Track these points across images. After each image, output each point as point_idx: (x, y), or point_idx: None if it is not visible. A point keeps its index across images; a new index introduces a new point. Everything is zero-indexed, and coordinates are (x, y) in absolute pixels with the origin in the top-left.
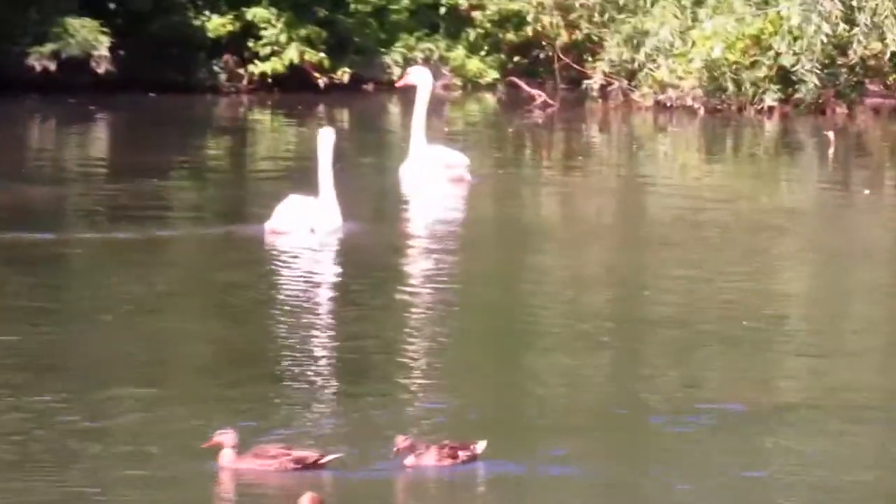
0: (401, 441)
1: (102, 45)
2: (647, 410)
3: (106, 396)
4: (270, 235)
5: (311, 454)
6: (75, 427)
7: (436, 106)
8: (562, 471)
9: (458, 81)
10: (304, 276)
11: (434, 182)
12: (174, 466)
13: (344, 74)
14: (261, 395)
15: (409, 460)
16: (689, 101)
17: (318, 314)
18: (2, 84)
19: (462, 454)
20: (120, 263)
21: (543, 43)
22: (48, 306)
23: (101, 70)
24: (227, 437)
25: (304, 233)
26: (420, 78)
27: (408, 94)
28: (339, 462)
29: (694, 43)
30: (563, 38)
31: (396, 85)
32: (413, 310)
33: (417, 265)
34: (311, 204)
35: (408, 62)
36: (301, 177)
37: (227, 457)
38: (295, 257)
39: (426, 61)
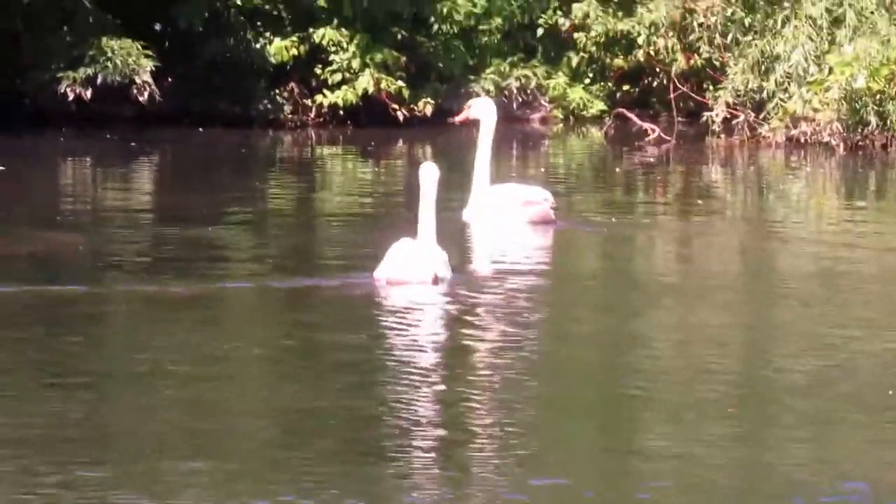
0: None
1: (145, 70)
2: (780, 493)
3: (166, 470)
4: (387, 286)
5: None
6: None
7: (534, 141)
8: None
9: (559, 113)
10: (414, 333)
11: (509, 224)
12: None
13: (426, 106)
14: (345, 472)
15: None
16: (825, 137)
17: (424, 375)
18: (33, 117)
19: None
20: (172, 321)
21: (657, 69)
22: (95, 368)
23: (143, 99)
24: None
25: (426, 283)
26: (483, 111)
27: (499, 127)
28: None
29: (831, 69)
30: (680, 63)
31: (456, 121)
32: (522, 374)
33: (525, 323)
34: (426, 250)
35: (500, 91)
36: (377, 220)
37: None
38: (407, 311)
39: (522, 90)
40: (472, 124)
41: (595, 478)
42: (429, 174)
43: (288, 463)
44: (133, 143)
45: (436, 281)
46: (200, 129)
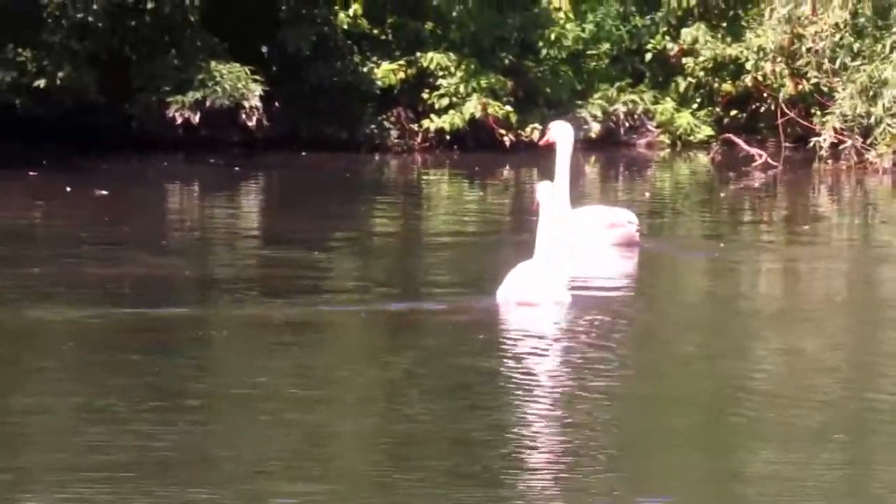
0: None
1: (254, 94)
2: None
3: (275, 492)
4: (513, 307)
5: None
6: None
7: (640, 166)
8: None
9: (666, 138)
10: (526, 356)
11: (595, 246)
12: None
13: (534, 131)
14: (454, 496)
15: None
16: None
17: (534, 399)
18: (140, 142)
19: None
20: (279, 344)
21: (765, 94)
22: (203, 392)
23: (252, 124)
24: None
25: (550, 305)
26: (560, 134)
27: (605, 151)
28: None
29: None
30: (788, 88)
31: (539, 144)
32: (630, 398)
33: (635, 347)
34: (551, 271)
35: (607, 116)
36: (484, 244)
37: None
38: (520, 334)
39: (629, 115)
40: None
41: (699, 499)
42: (545, 192)
43: (395, 486)
44: (237, 168)
45: (558, 304)
46: (303, 153)
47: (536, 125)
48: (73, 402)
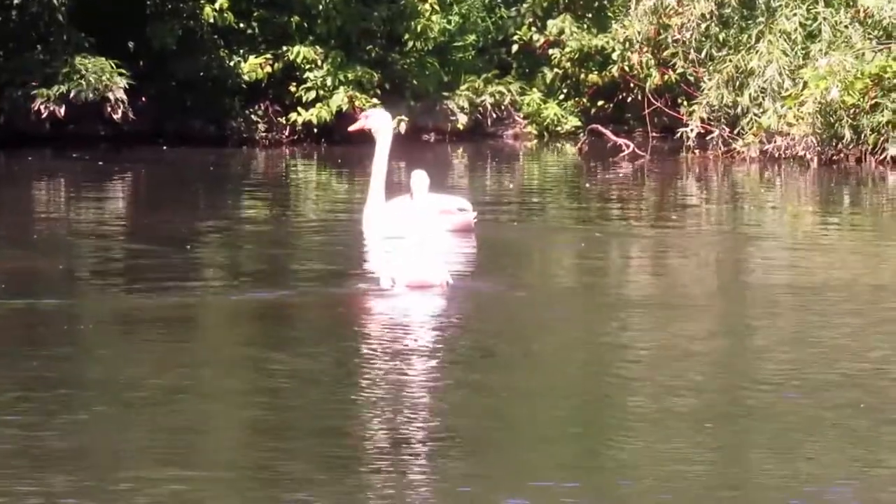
0: None
1: (119, 87)
2: None
3: (149, 481)
4: (408, 290)
5: None
6: None
7: (508, 158)
8: None
9: (534, 130)
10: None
11: (431, 234)
12: None
13: (401, 123)
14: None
15: None
16: (800, 151)
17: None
18: (9, 139)
19: None
20: (147, 335)
21: (632, 85)
22: (70, 381)
23: (117, 117)
24: None
25: (441, 285)
26: (379, 121)
27: (473, 143)
28: None
29: (806, 84)
30: (655, 78)
31: (350, 130)
32: (500, 389)
33: (499, 340)
34: (430, 253)
35: (474, 108)
36: (354, 235)
37: None
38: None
39: (496, 106)
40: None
41: (585, 485)
42: (420, 181)
43: (273, 475)
44: (101, 163)
45: (448, 283)
46: (171, 148)
47: (403, 117)
48: None
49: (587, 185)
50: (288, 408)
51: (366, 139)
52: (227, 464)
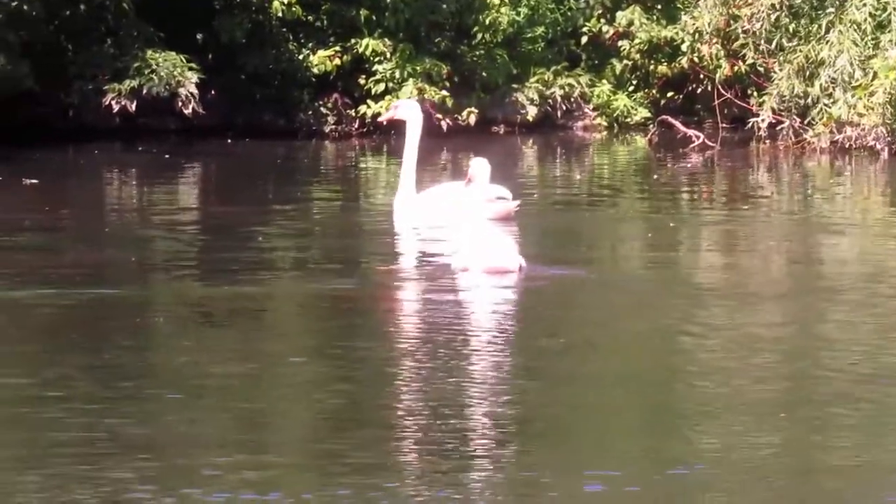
0: None
1: (190, 82)
2: None
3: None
4: (485, 275)
5: None
6: None
7: (578, 150)
8: None
9: (603, 121)
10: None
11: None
12: None
13: (470, 115)
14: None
15: None
16: (870, 141)
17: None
18: (79, 132)
19: None
20: (219, 325)
21: (701, 76)
22: (143, 370)
23: (188, 112)
24: None
25: (515, 270)
26: (409, 112)
27: (542, 135)
28: None
29: (876, 74)
30: (725, 70)
31: (381, 121)
32: (572, 377)
33: (571, 328)
34: (502, 238)
35: (544, 100)
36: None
37: None
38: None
39: (565, 98)
40: (400, 125)
41: (644, 475)
42: (480, 167)
43: (339, 464)
44: (170, 156)
45: (523, 268)
46: (240, 141)
47: (473, 109)
48: (23, 384)
49: (656, 175)
50: (359, 395)
51: (434, 131)
52: (299, 451)
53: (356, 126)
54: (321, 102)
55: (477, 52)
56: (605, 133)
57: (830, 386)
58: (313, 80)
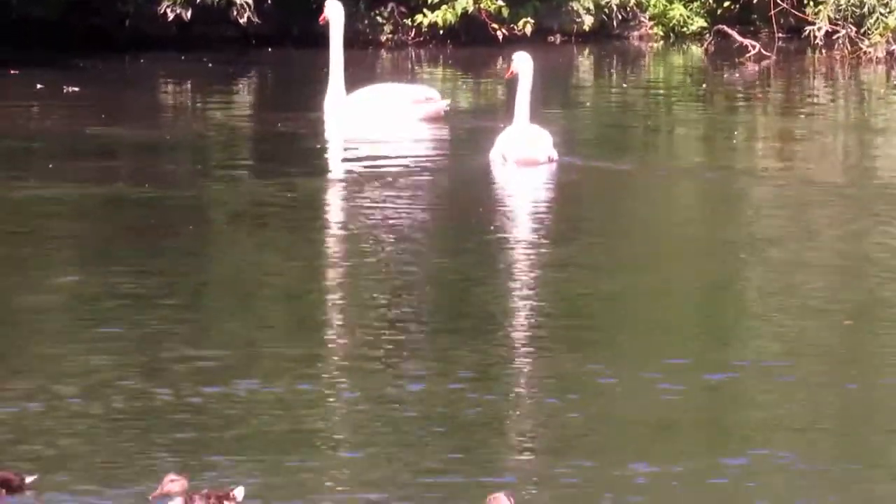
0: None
1: None
2: None
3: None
4: (516, 166)
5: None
6: None
7: (635, 58)
8: None
9: (660, 31)
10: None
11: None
12: None
13: (526, 25)
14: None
15: None
16: None
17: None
18: (136, 42)
19: None
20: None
21: None
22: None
23: (243, 20)
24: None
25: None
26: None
27: (598, 45)
28: None
29: None
30: None
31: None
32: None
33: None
34: (536, 131)
35: (600, 9)
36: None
37: None
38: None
39: (621, 7)
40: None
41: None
42: (523, 61)
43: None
44: (226, 65)
45: (551, 160)
46: (269, 49)
47: (528, 19)
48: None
49: (711, 83)
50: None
51: (490, 41)
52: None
53: (412, 35)
54: (377, 11)
55: None
56: (661, 42)
57: None
58: None
